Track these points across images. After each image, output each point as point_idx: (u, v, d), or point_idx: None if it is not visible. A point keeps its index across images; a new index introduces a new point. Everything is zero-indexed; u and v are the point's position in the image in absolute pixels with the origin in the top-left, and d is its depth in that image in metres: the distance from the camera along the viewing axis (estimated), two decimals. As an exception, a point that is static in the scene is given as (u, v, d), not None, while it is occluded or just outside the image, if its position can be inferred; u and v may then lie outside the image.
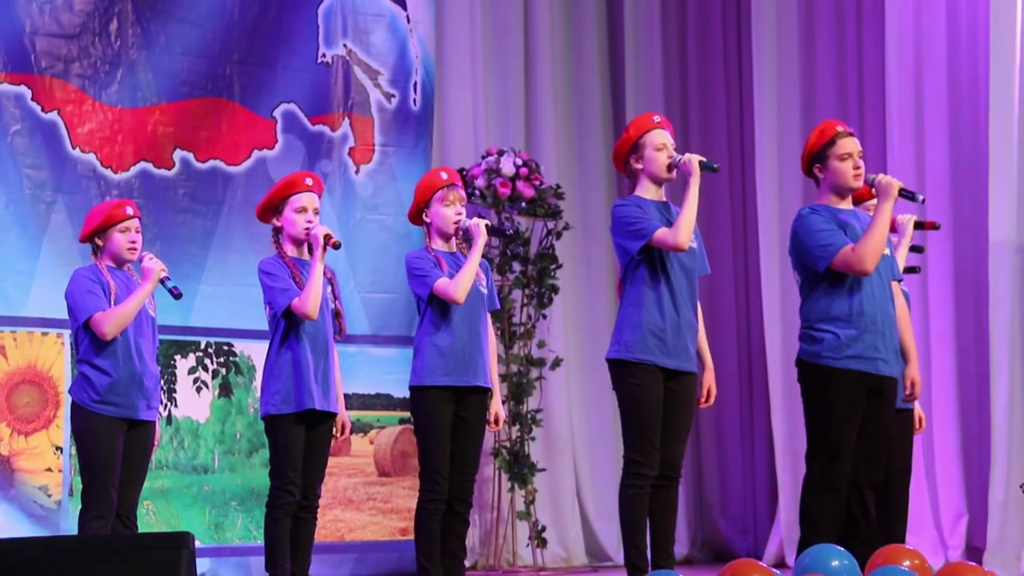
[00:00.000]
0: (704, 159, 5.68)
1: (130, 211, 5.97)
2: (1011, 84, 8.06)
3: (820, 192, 5.64)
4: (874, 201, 5.65)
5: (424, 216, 6.03)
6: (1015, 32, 8.09)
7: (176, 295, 5.88)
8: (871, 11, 9.00)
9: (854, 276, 5.47)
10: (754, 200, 9.28)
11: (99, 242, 5.97)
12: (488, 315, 6.09)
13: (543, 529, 8.68)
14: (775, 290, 8.99)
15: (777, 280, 8.95)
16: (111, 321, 5.81)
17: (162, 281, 5.88)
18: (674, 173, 5.72)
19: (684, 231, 5.56)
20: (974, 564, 5.12)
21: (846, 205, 5.61)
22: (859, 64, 9.08)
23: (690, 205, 5.58)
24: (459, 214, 6.00)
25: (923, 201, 5.68)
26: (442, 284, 5.87)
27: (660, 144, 5.71)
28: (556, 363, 8.78)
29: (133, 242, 5.95)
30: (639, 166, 5.73)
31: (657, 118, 5.80)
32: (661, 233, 5.58)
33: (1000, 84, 8.10)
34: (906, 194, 5.57)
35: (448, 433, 5.94)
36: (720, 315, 9.49)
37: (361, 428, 8.27)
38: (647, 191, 5.73)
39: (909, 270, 6.51)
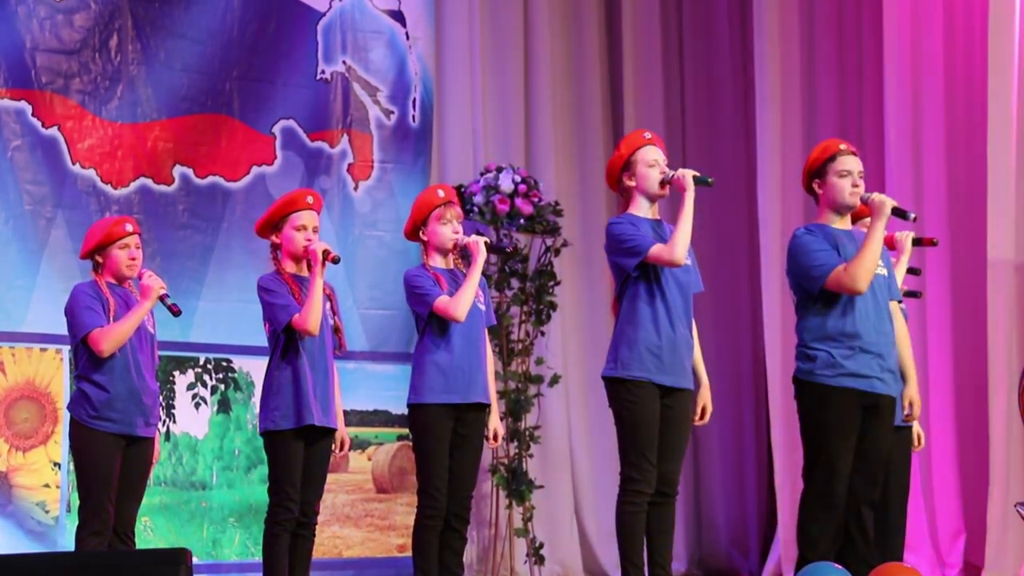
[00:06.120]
0: (697, 174, 5.66)
1: (130, 228, 5.98)
2: (1008, 102, 8.08)
3: (819, 210, 5.65)
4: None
5: (421, 234, 6.02)
6: (1012, 51, 8.11)
7: (175, 312, 5.88)
8: (871, 28, 9.03)
9: (848, 295, 5.48)
10: (755, 217, 9.28)
11: (99, 259, 5.97)
12: (486, 331, 6.10)
13: (541, 546, 8.67)
14: (776, 307, 8.99)
15: (778, 297, 8.94)
16: (109, 338, 5.82)
17: (161, 298, 5.88)
18: (667, 189, 5.71)
19: (680, 247, 5.55)
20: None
21: (843, 224, 5.61)
22: (859, 82, 9.10)
23: (685, 220, 5.56)
24: (456, 232, 6.00)
25: (915, 219, 5.67)
26: (443, 302, 5.86)
27: (652, 160, 5.70)
28: (554, 380, 8.78)
29: (133, 259, 5.96)
30: (631, 183, 5.71)
31: (648, 134, 5.78)
32: (656, 249, 5.57)
33: (997, 102, 8.11)
34: (899, 212, 5.57)
35: (447, 450, 5.93)
36: (720, 332, 9.48)
37: (359, 445, 8.27)
38: (640, 208, 5.72)
39: (910, 294, 6.50)
